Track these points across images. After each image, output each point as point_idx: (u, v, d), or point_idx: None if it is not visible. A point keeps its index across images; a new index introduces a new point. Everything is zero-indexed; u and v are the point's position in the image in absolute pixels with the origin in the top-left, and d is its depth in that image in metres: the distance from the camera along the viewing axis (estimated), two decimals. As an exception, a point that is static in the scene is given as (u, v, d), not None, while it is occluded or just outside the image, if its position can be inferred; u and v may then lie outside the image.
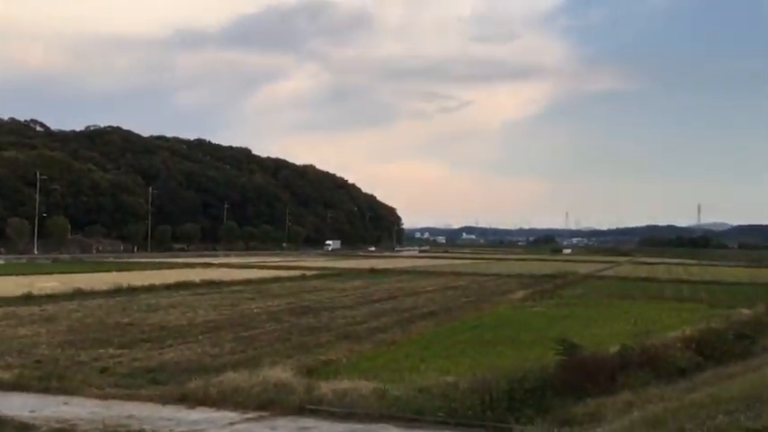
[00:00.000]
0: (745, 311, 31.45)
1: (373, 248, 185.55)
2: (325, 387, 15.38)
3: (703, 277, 74.69)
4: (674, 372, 16.97)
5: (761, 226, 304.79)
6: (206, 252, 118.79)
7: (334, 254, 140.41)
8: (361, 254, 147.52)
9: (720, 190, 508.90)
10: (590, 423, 11.96)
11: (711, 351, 19.71)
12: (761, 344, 22.16)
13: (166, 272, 60.42)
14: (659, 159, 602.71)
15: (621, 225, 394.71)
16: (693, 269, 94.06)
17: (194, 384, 15.66)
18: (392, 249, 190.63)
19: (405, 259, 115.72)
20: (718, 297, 48.59)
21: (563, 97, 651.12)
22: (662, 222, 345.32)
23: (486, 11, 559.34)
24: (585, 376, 15.00)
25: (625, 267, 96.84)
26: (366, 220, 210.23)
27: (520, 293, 46.96)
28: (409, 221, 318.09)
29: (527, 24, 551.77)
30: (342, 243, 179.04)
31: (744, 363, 18.59)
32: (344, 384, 15.55)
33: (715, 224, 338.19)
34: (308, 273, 64.09)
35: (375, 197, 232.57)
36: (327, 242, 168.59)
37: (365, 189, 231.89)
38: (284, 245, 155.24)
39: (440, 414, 14.04)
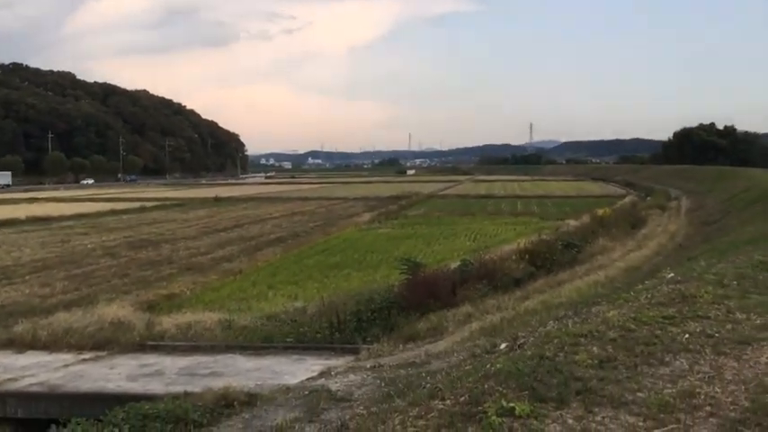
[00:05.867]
0: (573, 222, 34.03)
1: (207, 175, 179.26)
2: (168, 322, 14.89)
3: (535, 192, 79.81)
4: (510, 282, 18.04)
5: (586, 142, 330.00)
6: (31, 186, 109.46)
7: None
8: (205, 182, 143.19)
9: (549, 109, 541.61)
10: (433, 337, 12.38)
11: (543, 261, 21.17)
12: (587, 251, 24.03)
13: (-14, 209, 55.24)
14: (494, 81, 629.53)
15: (461, 145, 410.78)
16: (526, 185, 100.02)
17: (22, 327, 14.74)
18: (237, 177, 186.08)
19: (250, 186, 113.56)
20: (548, 210, 52.19)
21: (407, 19, 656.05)
22: (498, 141, 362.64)
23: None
24: (428, 293, 15.53)
25: (465, 186, 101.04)
26: (208, 148, 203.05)
27: (366, 216, 47.71)
28: (254, 148, 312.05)
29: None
30: (183, 171, 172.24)
31: (571, 270, 20.06)
32: (188, 317, 15.13)
33: (545, 141, 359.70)
34: (148, 204, 61.12)
35: (217, 123, 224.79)
36: None
37: (205, 115, 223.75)
38: (119, 176, 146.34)
39: (288, 339, 14.03)
